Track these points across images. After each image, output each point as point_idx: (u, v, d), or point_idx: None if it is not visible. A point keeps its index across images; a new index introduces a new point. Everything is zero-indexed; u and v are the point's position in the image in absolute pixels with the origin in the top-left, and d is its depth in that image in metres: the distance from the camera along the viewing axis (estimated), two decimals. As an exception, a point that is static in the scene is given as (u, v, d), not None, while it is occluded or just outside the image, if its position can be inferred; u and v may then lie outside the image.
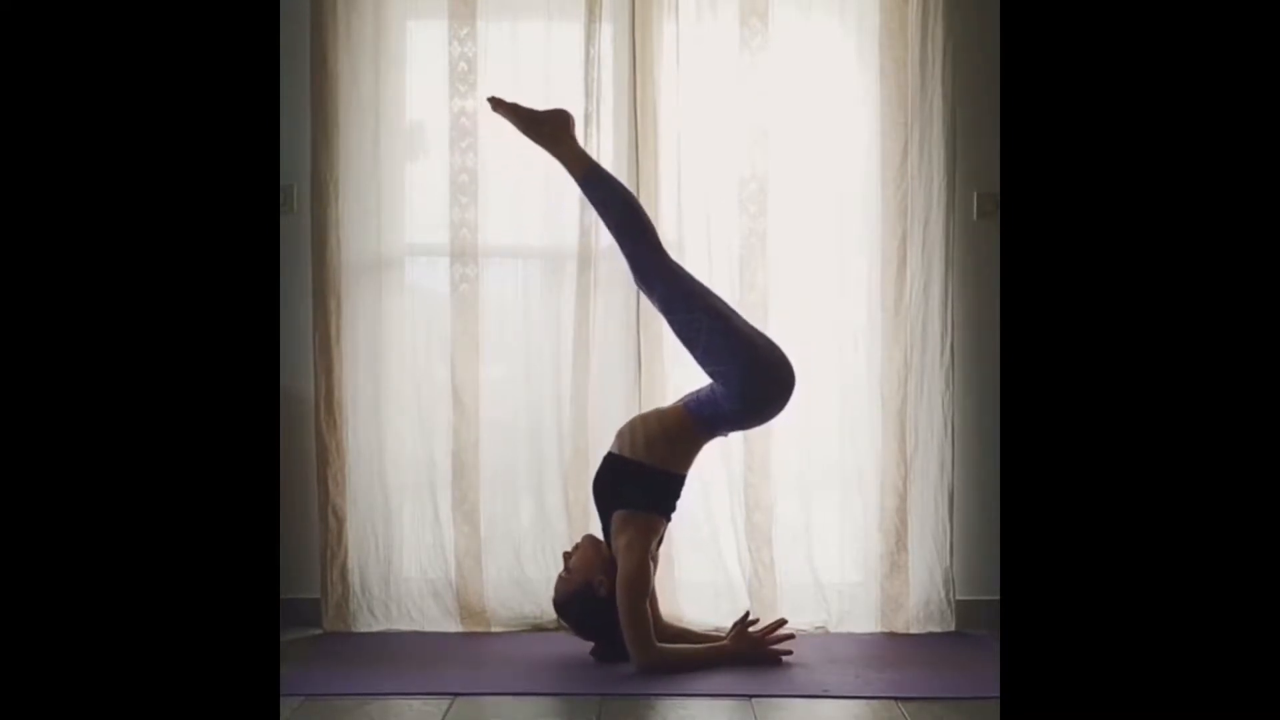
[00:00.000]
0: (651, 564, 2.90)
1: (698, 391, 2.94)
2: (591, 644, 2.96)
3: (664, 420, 2.94)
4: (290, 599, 3.16)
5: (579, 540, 3.03)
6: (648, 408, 3.15)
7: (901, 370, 3.26)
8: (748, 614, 2.98)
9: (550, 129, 2.98)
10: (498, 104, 3.00)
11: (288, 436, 3.07)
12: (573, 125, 3.00)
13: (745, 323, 2.94)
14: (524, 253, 3.33)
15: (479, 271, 3.28)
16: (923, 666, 2.91)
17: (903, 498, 3.25)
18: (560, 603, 2.95)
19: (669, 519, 2.95)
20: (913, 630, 3.23)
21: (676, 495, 2.95)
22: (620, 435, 2.96)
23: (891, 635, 3.23)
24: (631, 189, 3.21)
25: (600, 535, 2.98)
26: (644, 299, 3.22)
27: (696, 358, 2.91)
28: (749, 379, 2.85)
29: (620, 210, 2.93)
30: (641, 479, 2.89)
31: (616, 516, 2.89)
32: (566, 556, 2.98)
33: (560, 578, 2.96)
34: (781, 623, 2.97)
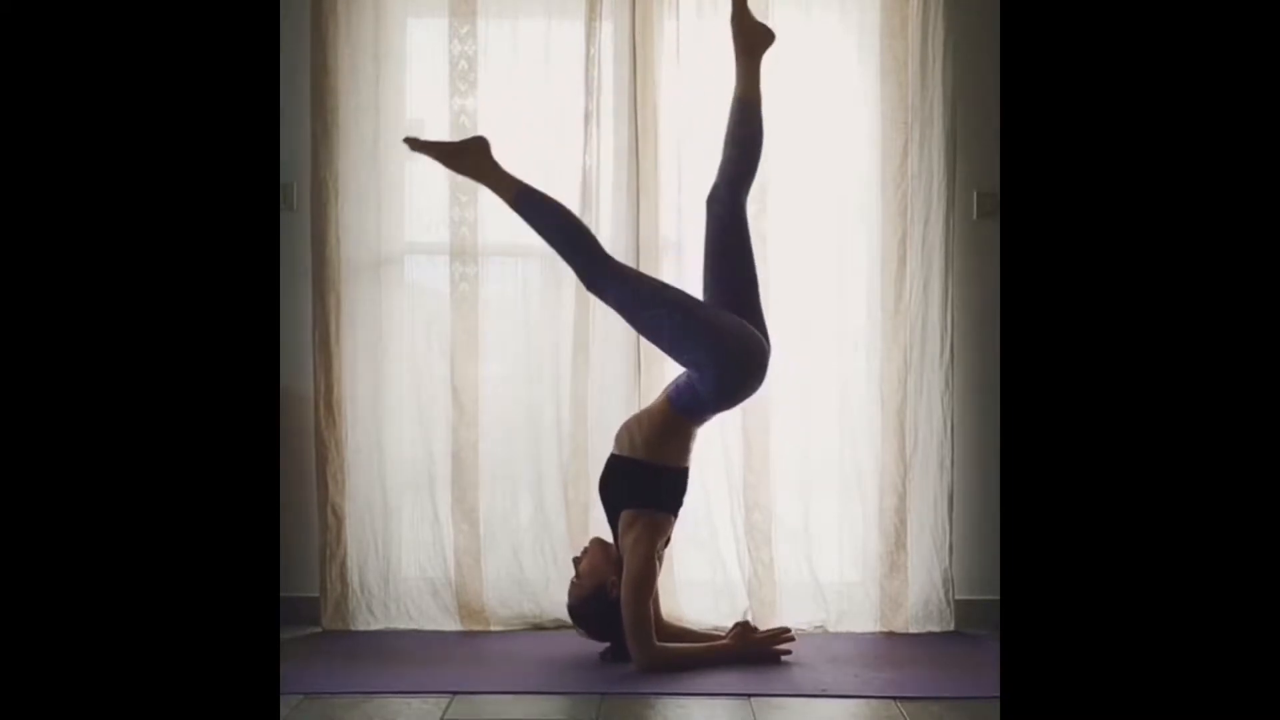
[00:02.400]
0: (658, 563, 2.90)
1: (676, 380, 2.94)
2: (605, 645, 2.94)
3: (652, 417, 2.94)
4: (289, 597, 3.15)
5: (586, 545, 3.02)
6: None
7: (901, 370, 3.25)
8: (748, 614, 2.98)
9: (472, 159, 2.94)
10: (415, 144, 2.97)
11: (287, 435, 3.07)
12: (490, 150, 2.94)
13: (709, 309, 2.90)
14: (524, 252, 3.32)
15: (479, 270, 3.28)
16: (922, 666, 2.91)
17: (902, 497, 3.25)
18: (575, 608, 2.94)
19: (675, 516, 2.95)
20: (912, 630, 3.23)
21: (682, 490, 2.95)
22: (619, 437, 2.96)
23: (890, 635, 3.22)
24: (631, 188, 3.22)
25: (607, 537, 2.98)
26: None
27: (666, 352, 2.91)
28: (719, 363, 2.83)
29: (556, 227, 2.89)
30: (644, 477, 2.89)
31: (624, 516, 2.90)
32: (576, 562, 2.98)
33: (572, 583, 2.95)
34: (784, 630, 2.97)
